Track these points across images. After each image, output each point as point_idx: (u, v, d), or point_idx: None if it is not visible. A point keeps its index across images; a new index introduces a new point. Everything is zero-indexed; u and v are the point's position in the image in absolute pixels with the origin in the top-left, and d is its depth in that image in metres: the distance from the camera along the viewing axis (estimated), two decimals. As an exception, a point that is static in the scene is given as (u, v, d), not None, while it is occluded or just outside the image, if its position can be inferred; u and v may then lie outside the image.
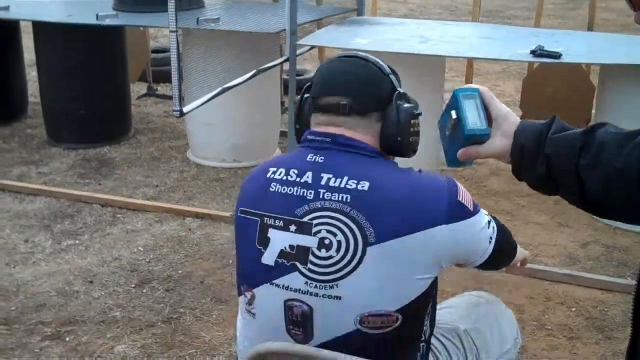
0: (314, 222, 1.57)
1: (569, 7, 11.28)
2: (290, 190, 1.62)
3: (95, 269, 3.64)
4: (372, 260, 1.54)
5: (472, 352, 1.94)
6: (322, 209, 1.57)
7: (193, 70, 4.66)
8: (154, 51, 6.98)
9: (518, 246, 1.96)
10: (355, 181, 1.58)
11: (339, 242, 1.55)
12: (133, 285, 3.49)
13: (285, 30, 4.38)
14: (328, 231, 1.56)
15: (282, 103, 5.57)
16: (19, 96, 5.96)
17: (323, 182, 1.59)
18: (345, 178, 1.58)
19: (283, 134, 5.26)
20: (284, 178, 1.64)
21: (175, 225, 4.10)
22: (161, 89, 6.75)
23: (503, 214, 4.27)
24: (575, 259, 3.77)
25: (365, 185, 1.57)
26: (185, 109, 3.72)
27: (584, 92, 4.98)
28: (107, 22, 4.81)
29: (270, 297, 1.63)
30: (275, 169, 1.67)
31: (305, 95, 1.75)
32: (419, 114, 1.70)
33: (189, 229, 4.06)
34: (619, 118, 4.03)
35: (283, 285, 1.61)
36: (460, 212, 1.62)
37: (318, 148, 1.65)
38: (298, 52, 4.50)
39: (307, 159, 1.64)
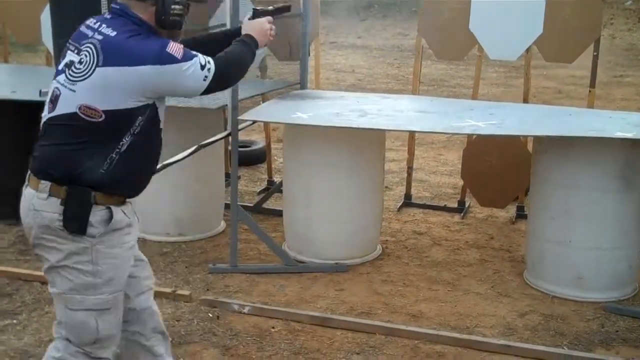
0: (82, 47, 2.56)
1: (511, 75, 11.64)
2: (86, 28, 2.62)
3: (31, 350, 3.57)
4: (97, 75, 2.49)
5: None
6: (89, 41, 2.56)
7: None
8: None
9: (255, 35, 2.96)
10: (112, 31, 2.55)
11: (85, 61, 2.53)
12: (70, 366, 3.42)
13: (227, 105, 4.46)
14: (85, 54, 2.54)
15: (227, 175, 5.61)
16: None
17: (100, 29, 2.58)
18: (110, 28, 2.56)
19: (227, 206, 5.27)
20: (82, 27, 2.65)
21: (116, 302, 4.06)
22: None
23: (444, 284, 4.34)
24: (513, 329, 3.82)
25: (114, 33, 2.54)
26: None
27: (522, 161, 5.13)
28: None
29: (51, 87, 2.64)
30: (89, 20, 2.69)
31: None
32: (178, 2, 2.65)
33: (130, 306, 4.02)
34: (552, 188, 4.18)
35: (57, 80, 2.61)
36: (166, 59, 2.53)
37: (112, 12, 2.65)
38: (240, 126, 4.58)
39: (103, 15, 2.67)
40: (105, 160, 2.54)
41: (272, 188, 5.84)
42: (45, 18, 5.93)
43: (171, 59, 2.53)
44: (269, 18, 3.08)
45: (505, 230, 5.26)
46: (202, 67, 2.60)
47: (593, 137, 3.94)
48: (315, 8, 5.69)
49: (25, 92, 4.98)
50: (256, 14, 3.09)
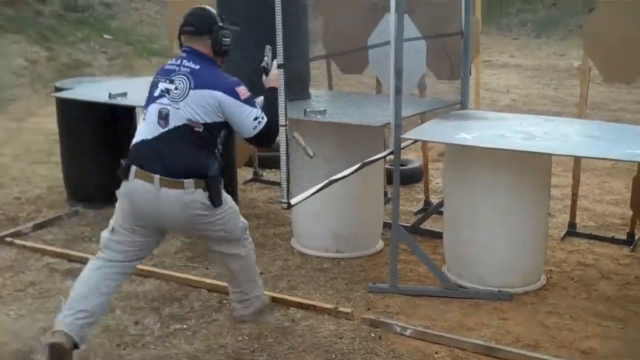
0: (174, 78, 3.53)
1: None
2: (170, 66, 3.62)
3: (201, 356, 3.70)
4: (190, 96, 3.46)
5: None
6: (179, 73, 3.54)
7: (300, 161, 4.76)
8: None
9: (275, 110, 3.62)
10: (194, 64, 3.54)
11: (180, 87, 3.50)
12: (237, 375, 3.52)
13: (389, 123, 4.47)
14: (179, 81, 3.52)
15: (385, 194, 5.61)
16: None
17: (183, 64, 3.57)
18: (191, 62, 3.55)
19: (385, 225, 5.27)
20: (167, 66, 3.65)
21: (279, 315, 4.15)
22: (266, 174, 6.93)
23: (615, 320, 4.12)
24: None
25: (197, 66, 3.53)
26: (292, 201, 3.81)
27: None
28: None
29: (153, 109, 3.55)
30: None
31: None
32: (228, 35, 3.63)
33: (293, 320, 4.10)
34: None
35: (159, 102, 3.53)
36: (232, 94, 3.47)
37: (185, 52, 3.64)
38: (402, 145, 4.56)
39: (180, 56, 3.63)
40: (213, 157, 3.54)
41: (431, 209, 5.78)
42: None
43: (236, 96, 3.48)
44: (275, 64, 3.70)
45: (680, 266, 4.95)
46: (255, 119, 3.50)
47: None
48: (477, 26, 5.60)
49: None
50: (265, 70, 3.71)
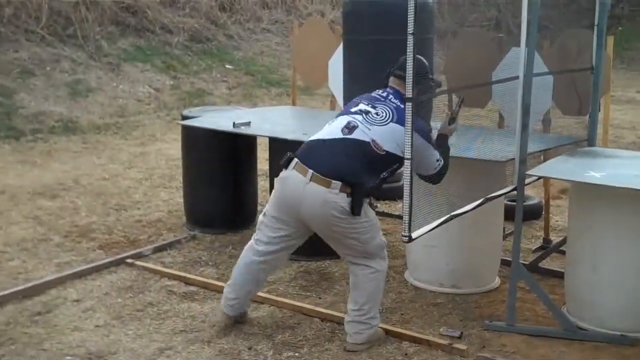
0: (377, 105, 4.00)
1: None
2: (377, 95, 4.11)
3: (315, 385, 3.70)
4: (389, 127, 3.87)
5: None
6: (384, 104, 4.01)
7: (420, 195, 4.72)
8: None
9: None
10: (400, 103, 3.91)
11: (382, 115, 3.93)
12: (350, 407, 3.49)
13: (513, 159, 4.37)
14: (382, 110, 3.97)
15: (504, 229, 5.47)
16: (250, 205, 6.32)
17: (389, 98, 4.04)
18: (397, 100, 4.00)
19: (504, 262, 5.13)
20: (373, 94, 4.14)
21: (391, 349, 4.10)
22: (380, 206, 6.91)
23: None
24: None
25: (402, 106, 3.82)
26: (414, 235, 3.77)
27: None
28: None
29: (343, 119, 3.99)
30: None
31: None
32: (429, 90, 4.04)
33: (406, 354, 4.04)
34: None
35: (352, 116, 3.98)
36: (423, 134, 3.86)
37: (390, 89, 4.11)
38: (527, 181, 4.45)
39: (386, 90, 4.12)
40: (376, 178, 3.87)
41: (551, 247, 5.59)
42: (334, 63, 6.25)
43: (429, 140, 3.94)
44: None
45: None
46: (437, 161, 3.99)
47: None
48: (608, 61, 5.42)
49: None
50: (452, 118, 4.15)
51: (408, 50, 3.53)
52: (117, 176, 7.99)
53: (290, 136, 5.33)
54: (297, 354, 4.04)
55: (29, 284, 4.90)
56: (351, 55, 5.48)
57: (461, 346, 4.06)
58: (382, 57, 5.15)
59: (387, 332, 4.24)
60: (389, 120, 3.88)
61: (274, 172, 5.76)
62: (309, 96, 12.07)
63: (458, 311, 4.63)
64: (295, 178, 3.85)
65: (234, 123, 5.54)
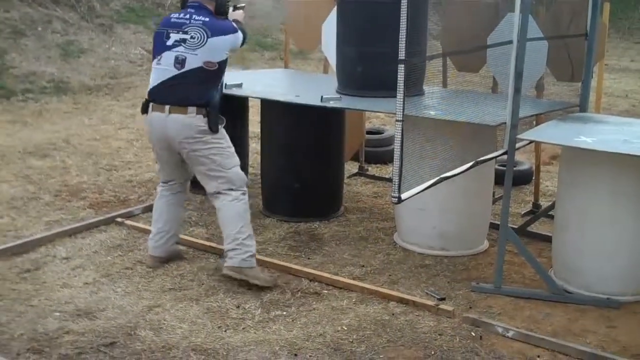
0: (187, 29, 4.31)
1: None
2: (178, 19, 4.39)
3: (300, 343, 3.72)
4: (209, 43, 4.27)
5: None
6: (191, 25, 4.31)
7: (411, 157, 4.72)
8: (368, 132, 7.18)
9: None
10: (204, 17, 4.33)
11: (197, 36, 4.27)
12: (335, 364, 3.53)
13: (505, 123, 4.36)
14: (194, 32, 4.29)
15: (494, 194, 5.49)
16: (240, 166, 6.28)
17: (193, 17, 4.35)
18: (201, 16, 4.32)
19: (493, 226, 5.15)
20: (173, 19, 4.42)
21: (379, 308, 4.13)
22: (372, 169, 6.92)
23: None
24: None
25: (207, 19, 4.33)
26: (403, 196, 3.77)
27: None
28: (331, 104, 5.03)
29: (169, 55, 4.30)
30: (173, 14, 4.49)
31: None
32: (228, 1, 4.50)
33: (393, 314, 4.07)
34: None
35: (175, 50, 4.29)
36: (235, 31, 4.40)
37: (193, 6, 4.40)
38: (517, 145, 4.44)
39: (188, 9, 4.40)
40: (217, 88, 4.38)
41: (539, 212, 5.61)
42: (327, 26, 6.19)
43: (236, 32, 4.39)
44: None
45: None
46: (243, 38, 4.50)
47: None
48: (603, 29, 5.39)
49: (308, 98, 5.23)
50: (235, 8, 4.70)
51: (402, 13, 3.50)
52: (108, 137, 7.97)
53: (282, 98, 5.32)
54: (284, 313, 4.06)
55: (19, 241, 4.91)
56: (345, 18, 5.43)
57: (448, 307, 4.09)
58: (376, 20, 5.14)
59: (374, 292, 4.28)
60: (205, 39, 4.26)
61: (265, 134, 5.78)
62: (303, 60, 12.00)
63: (446, 273, 4.66)
64: (157, 116, 4.31)
65: (225, 84, 5.49)
